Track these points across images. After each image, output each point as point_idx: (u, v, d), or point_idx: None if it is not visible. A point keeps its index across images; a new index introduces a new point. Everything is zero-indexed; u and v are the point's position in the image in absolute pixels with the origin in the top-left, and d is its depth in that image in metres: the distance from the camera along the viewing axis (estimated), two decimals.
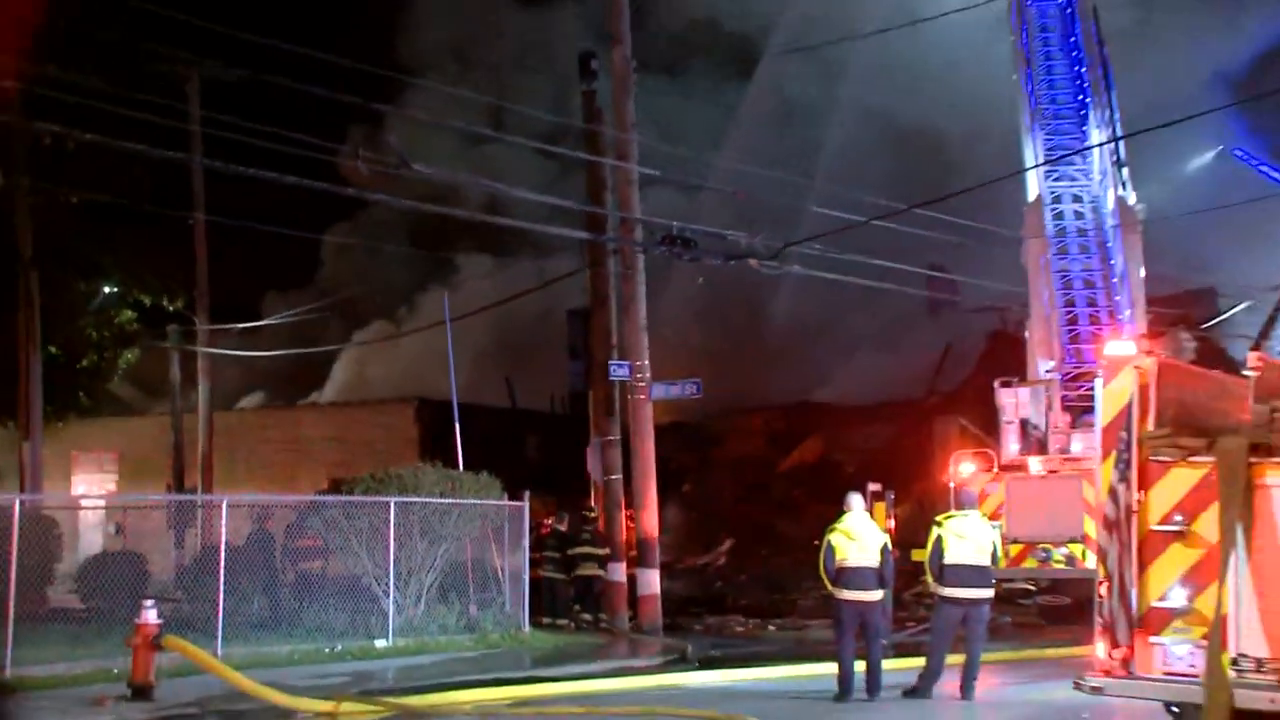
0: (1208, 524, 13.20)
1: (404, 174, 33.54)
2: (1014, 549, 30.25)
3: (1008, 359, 40.02)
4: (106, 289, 44.71)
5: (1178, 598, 13.34)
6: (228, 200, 36.44)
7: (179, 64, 36.93)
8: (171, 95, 35.82)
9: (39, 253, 34.89)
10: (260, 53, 29.17)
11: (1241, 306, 44.57)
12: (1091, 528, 14.53)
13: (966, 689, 20.31)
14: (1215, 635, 12.84)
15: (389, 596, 28.22)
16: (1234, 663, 12.86)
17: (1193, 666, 13.07)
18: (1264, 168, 51.27)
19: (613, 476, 32.29)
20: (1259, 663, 12.88)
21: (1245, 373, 14.47)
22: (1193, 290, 47.27)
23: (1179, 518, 13.42)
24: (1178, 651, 13.27)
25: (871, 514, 21.40)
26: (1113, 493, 13.74)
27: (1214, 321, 42.20)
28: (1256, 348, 27.32)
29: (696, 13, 60.31)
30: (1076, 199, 35.87)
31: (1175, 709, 13.89)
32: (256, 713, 19.77)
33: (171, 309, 45.72)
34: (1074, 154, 36.07)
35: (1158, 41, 58.48)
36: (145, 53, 33.46)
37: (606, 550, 32.41)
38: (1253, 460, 13.08)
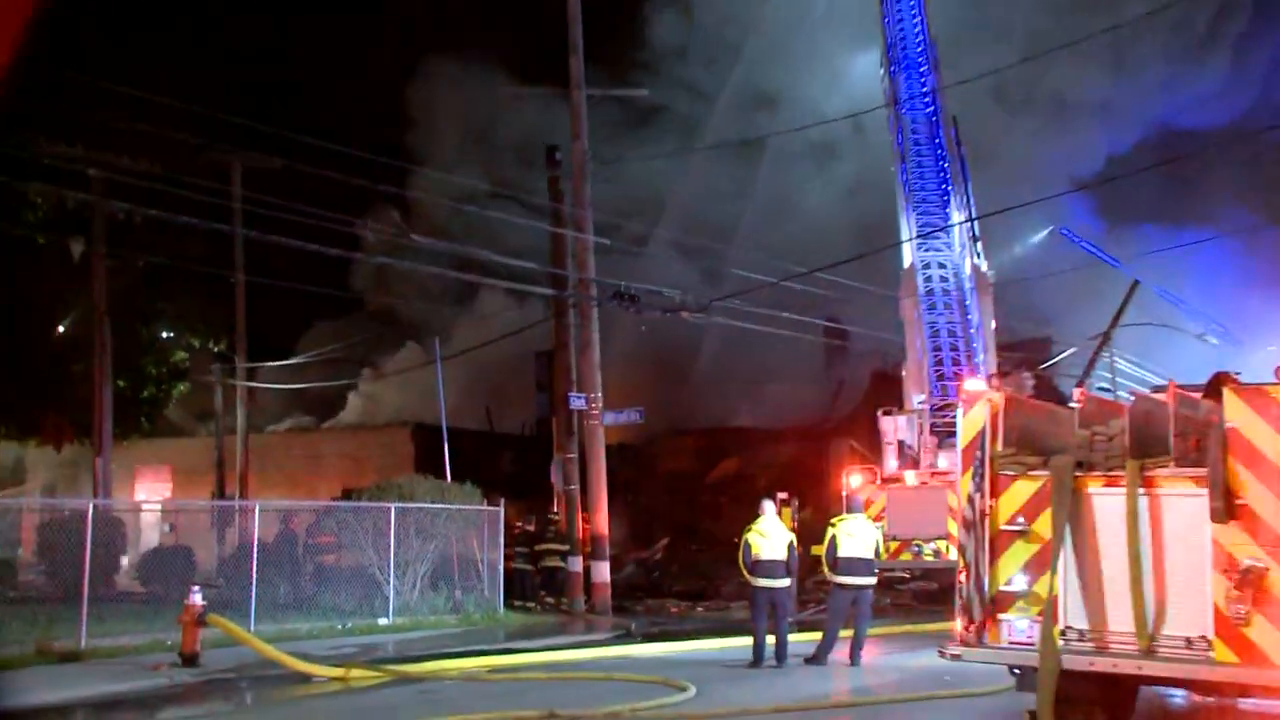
0: (1043, 524, 13.28)
1: (404, 241, 33.69)
2: (893, 545, 30.55)
3: (888, 392, 40.27)
4: (164, 334, 44.78)
5: (1020, 583, 13.39)
6: (267, 256, 36.45)
7: (225, 155, 36.91)
8: (218, 179, 35.92)
9: (111, 305, 34.86)
10: (289, 145, 29.36)
11: (1069, 352, 44.93)
12: (953, 528, 14.72)
13: (854, 657, 20.50)
14: (1048, 612, 12.95)
15: (389, 583, 28.22)
16: (1062, 634, 13.00)
17: (1031, 637, 13.11)
18: (1085, 244, 51.80)
19: (571, 486, 32.36)
20: (1081, 634, 13.05)
21: (1071, 405, 14.62)
22: (1032, 339, 47.53)
23: (1021, 520, 13.48)
24: (1019, 626, 13.31)
25: (780, 517, 21.50)
26: (970, 500, 13.78)
27: (1048, 364, 42.57)
28: (1080, 385, 27.67)
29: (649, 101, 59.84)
30: (941, 265, 36.25)
31: (1017, 671, 13.70)
32: (282, 677, 19.79)
33: (216, 349, 45.77)
34: (938, 231, 36.51)
35: (1015, 144, 59.05)
36: (197, 146, 33.53)
37: (566, 546, 32.40)
38: (1077, 474, 13.23)
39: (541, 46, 32.40)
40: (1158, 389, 14.30)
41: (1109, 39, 52.56)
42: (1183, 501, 12.75)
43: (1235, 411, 12.52)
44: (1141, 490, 12.92)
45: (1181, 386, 13.39)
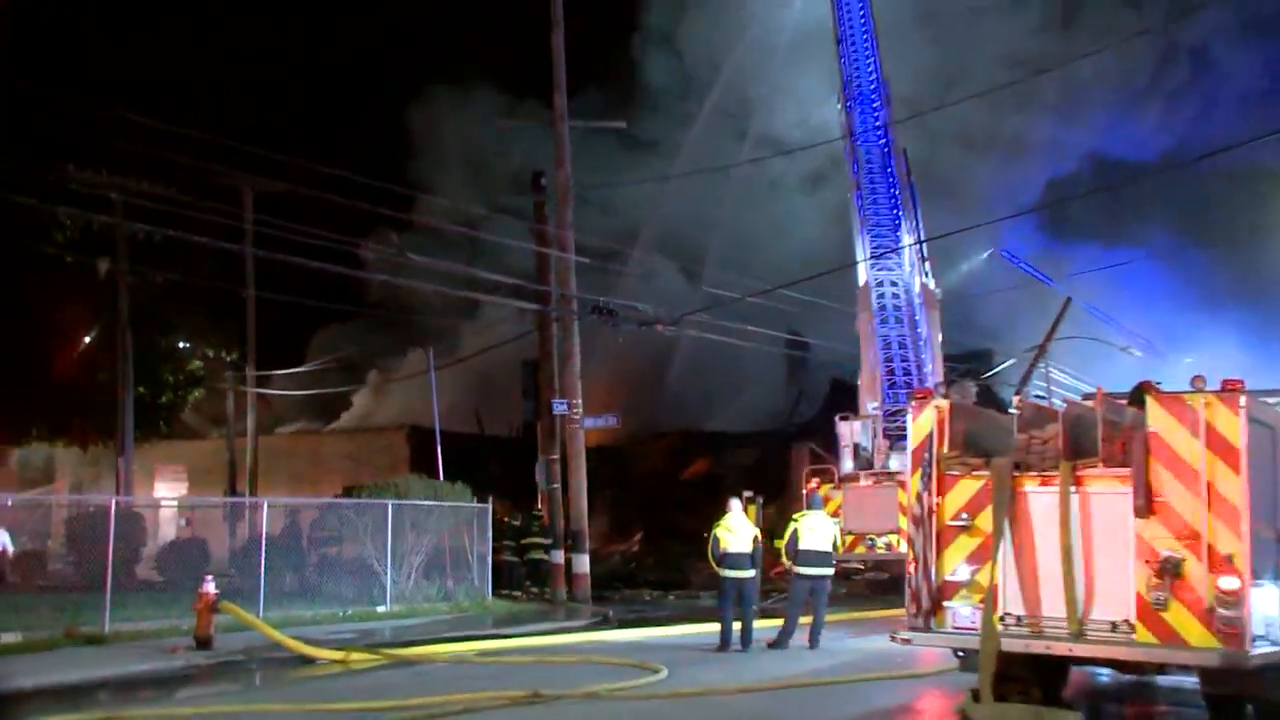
0: (984, 520, 13.38)
1: (402, 260, 33.71)
2: (849, 539, 30.59)
3: (844, 399, 40.44)
4: (180, 344, 44.73)
5: (963, 574, 13.47)
6: (276, 272, 36.42)
7: (237, 180, 36.89)
8: (231, 202, 35.92)
9: (132, 318, 34.82)
10: (297, 170, 29.40)
11: (1008, 363, 44.98)
12: (904, 523, 14.81)
13: (814, 641, 20.56)
14: (988, 600, 13.04)
15: (387, 574, 28.07)
16: (1001, 619, 13.09)
17: (973, 623, 13.18)
18: (1023, 265, 52.01)
19: (554, 485, 32.27)
20: (1018, 619, 13.15)
21: (1010, 411, 14.79)
22: (975, 350, 47.63)
23: (965, 516, 13.57)
24: (963, 612, 13.37)
25: (746, 514, 21.53)
26: (919, 498, 13.81)
27: (989, 374, 42.69)
28: (1018, 393, 27.71)
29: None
30: (893, 284, 36.41)
31: (961, 653, 13.89)
32: (288, 659, 19.82)
33: (228, 358, 45.69)
34: (890, 252, 36.65)
35: (964, 175, 59.34)
36: (211, 172, 33.54)
37: (550, 540, 32.29)
38: (1015, 474, 13.33)
39: (536, 77, 32.31)
40: (1087, 397, 14.40)
41: (1052, 83, 53.19)
42: (1109, 499, 12.89)
43: (1156, 417, 12.69)
44: (1073, 489, 13.05)
45: (1109, 395, 13.53)
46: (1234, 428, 12.43)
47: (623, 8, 65.20)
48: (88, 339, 40.18)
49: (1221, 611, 12.23)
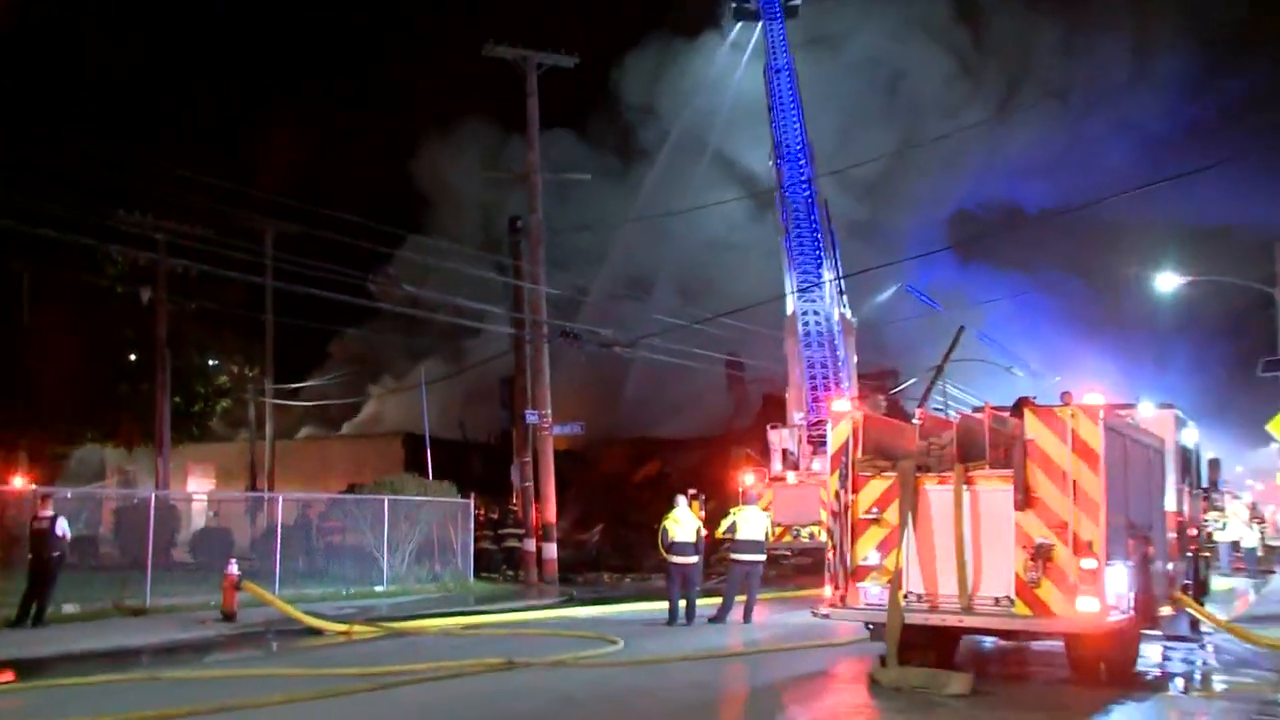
0: (892, 513, 13.52)
1: (397, 291, 33.75)
2: (778, 530, 30.59)
3: (775, 411, 40.60)
4: (210, 361, 44.76)
5: (874, 558, 13.58)
6: (293, 300, 36.57)
7: (259, 223, 36.96)
8: (254, 241, 36.01)
9: (170, 339, 34.85)
10: (310, 215, 29.58)
11: (912, 381, 45.27)
12: (824, 516, 15.01)
13: (747, 617, 20.37)
14: (894, 581, 13.21)
15: (384, 559, 27.90)
16: (905, 597, 13.26)
17: (881, 600, 13.31)
18: (924, 298, 52.39)
19: (527, 484, 31.99)
20: (919, 596, 13.34)
21: (914, 421, 14.97)
22: (884, 369, 47.92)
23: (875, 509, 13.69)
24: (873, 592, 13.48)
25: (690, 509, 21.49)
26: (836, 495, 13.91)
27: (896, 390, 43.03)
28: (920, 406, 28.04)
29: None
30: (816, 314, 36.70)
31: (871, 626, 14.09)
32: (299, 631, 19.80)
33: (250, 374, 45.65)
34: (813, 286, 36.93)
35: (877, 220, 59.89)
36: (236, 215, 33.70)
37: (523, 530, 32.03)
38: (918, 474, 13.50)
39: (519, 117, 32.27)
40: (977, 410, 14.59)
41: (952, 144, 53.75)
42: (995, 495, 13.11)
43: (1033, 427, 12.96)
44: (965, 487, 13.23)
45: (994, 408, 13.73)
46: (1095, 436, 12.74)
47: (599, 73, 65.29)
48: (133, 357, 40.10)
49: (1082, 587, 12.54)
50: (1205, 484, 20.45)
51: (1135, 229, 54.22)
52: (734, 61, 52.78)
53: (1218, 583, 27.50)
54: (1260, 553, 39.38)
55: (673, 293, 53.84)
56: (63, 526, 20.18)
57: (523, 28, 62.74)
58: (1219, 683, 14.66)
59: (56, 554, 19.87)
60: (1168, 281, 38.12)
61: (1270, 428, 30.70)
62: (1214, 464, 21.42)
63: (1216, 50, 66.06)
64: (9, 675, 14.97)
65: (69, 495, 27.50)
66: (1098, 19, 69.10)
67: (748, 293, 42.34)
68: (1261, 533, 41.67)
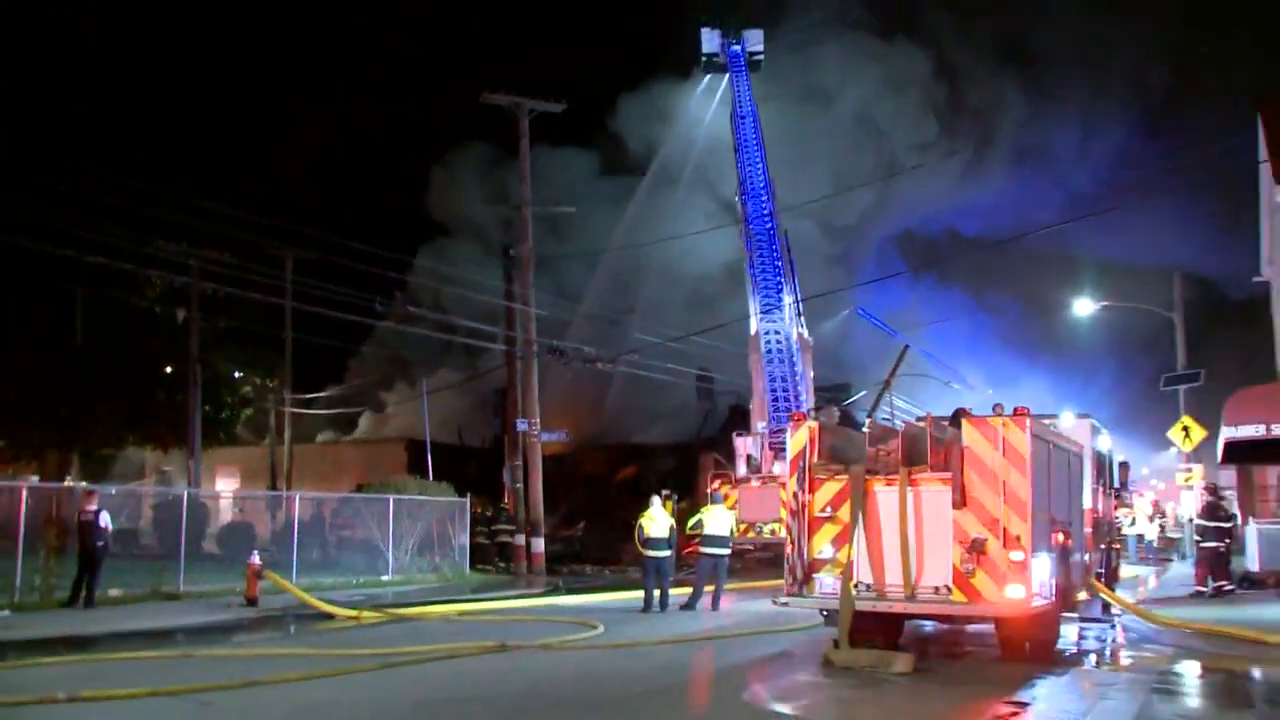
0: (844, 512, 13.50)
1: (404, 311, 33.63)
2: (743, 526, 30.31)
3: (740, 420, 40.58)
4: (236, 374, 44.63)
5: (828, 553, 13.55)
6: (310, 319, 36.55)
7: (280, 249, 36.89)
8: (275, 266, 35.97)
9: (201, 354, 34.85)
10: (325, 242, 29.58)
11: (862, 393, 45.24)
12: (784, 514, 14.97)
13: (715, 604, 20.30)
14: (846, 572, 13.19)
15: (389, 552, 28.01)
16: (855, 587, 13.23)
17: (834, 590, 13.28)
18: (873, 320, 52.51)
19: (518, 485, 31.88)
20: (868, 586, 13.32)
21: (864, 430, 14.99)
22: (838, 383, 47.96)
23: (829, 509, 13.66)
24: (827, 582, 13.44)
25: (664, 508, 21.44)
26: (795, 495, 13.89)
27: (849, 401, 43.02)
28: (870, 417, 27.96)
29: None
30: (777, 333, 36.58)
31: (825, 613, 14.04)
32: (313, 616, 19.75)
33: (271, 385, 45.51)
34: (774, 309, 36.97)
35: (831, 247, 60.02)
36: (259, 243, 33.70)
37: (514, 527, 32.05)
38: (867, 477, 13.50)
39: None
40: (920, 420, 14.60)
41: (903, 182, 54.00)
42: (935, 495, 13.11)
43: (969, 435, 12.97)
44: (909, 488, 13.23)
45: (935, 418, 13.79)
46: (1023, 442, 12.77)
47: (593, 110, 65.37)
48: (168, 370, 39.98)
49: (1011, 576, 12.55)
50: (1117, 484, 20.54)
51: (1065, 259, 54.68)
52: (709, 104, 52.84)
53: (1126, 571, 27.68)
54: (1158, 544, 39.81)
55: (652, 313, 53.69)
56: (105, 519, 20.26)
57: (525, 69, 63.20)
58: (1126, 657, 14.79)
59: (100, 543, 20.04)
60: (1084, 306, 38.55)
61: (1170, 434, 30.97)
62: (1124, 466, 21.49)
63: (1138, 120, 66.26)
64: (64, 650, 14.96)
65: (114, 492, 27.49)
66: (1043, 87, 69.08)
67: (717, 313, 42.60)
68: (1162, 526, 42.02)
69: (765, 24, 48.45)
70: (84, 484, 24.72)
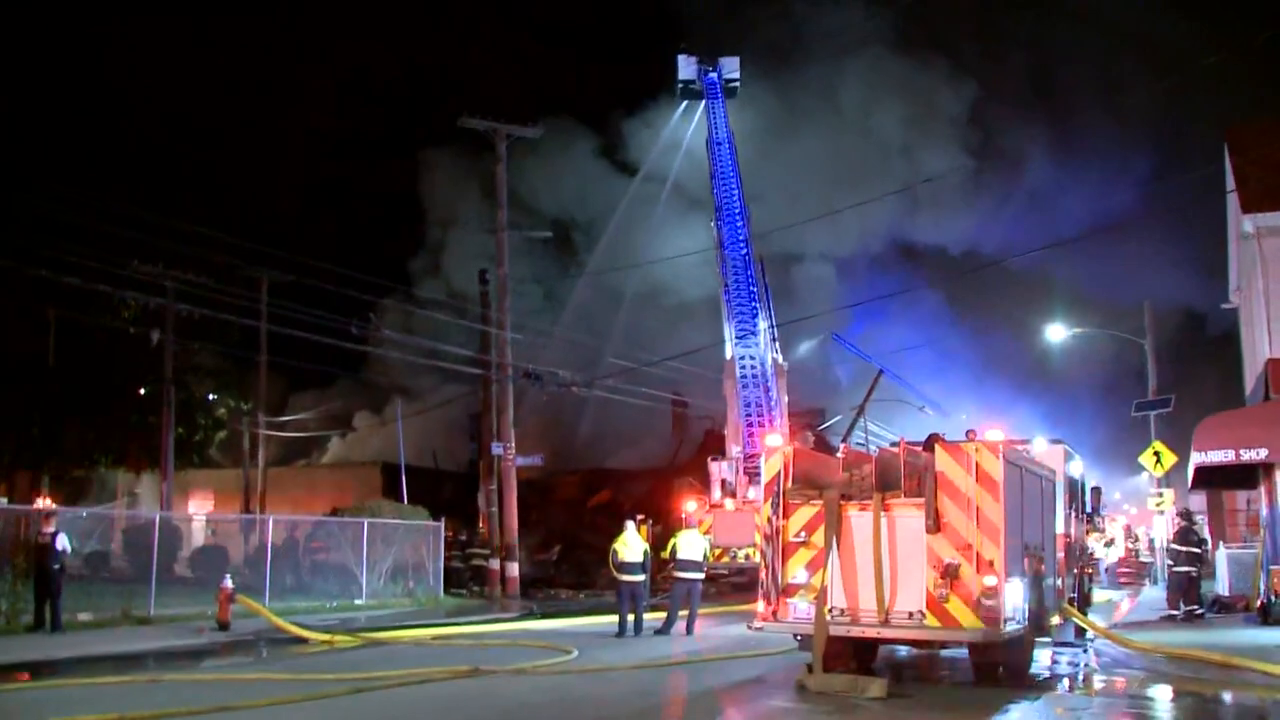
0: (818, 537, 13.44)
1: (379, 336, 33.62)
2: (717, 551, 30.37)
3: (715, 444, 40.64)
4: (210, 396, 44.46)
5: (802, 577, 13.48)
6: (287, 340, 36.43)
7: (255, 271, 36.79)
8: (251, 288, 35.87)
9: (175, 376, 34.72)
10: (302, 266, 29.53)
11: (836, 419, 45.53)
12: (758, 539, 14.88)
13: (690, 628, 20.31)
14: (820, 597, 13.12)
15: (363, 575, 27.74)
16: (829, 611, 13.15)
17: (809, 614, 13.23)
18: (848, 345, 52.69)
19: (492, 509, 31.79)
20: (841, 610, 13.24)
21: (838, 455, 14.92)
22: (812, 408, 48.08)
23: (803, 533, 13.59)
24: (801, 606, 13.40)
25: (638, 532, 21.40)
26: (769, 520, 13.83)
27: (823, 426, 43.16)
28: (844, 441, 28.06)
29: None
30: (751, 358, 36.74)
31: (799, 637, 14.00)
32: (286, 640, 19.64)
33: (245, 408, 45.28)
34: (749, 334, 37.06)
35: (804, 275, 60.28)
36: (233, 265, 33.65)
37: (488, 551, 31.86)
38: (841, 502, 13.44)
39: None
40: (893, 445, 14.63)
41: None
42: (909, 520, 13.09)
43: (942, 460, 12.99)
44: (883, 513, 13.20)
45: (909, 443, 13.75)
46: (996, 468, 12.80)
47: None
48: (142, 391, 39.78)
49: (985, 601, 12.55)
50: (1089, 509, 20.66)
51: (1046, 285, 55.18)
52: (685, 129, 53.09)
53: (1098, 595, 27.82)
54: (1130, 569, 40.03)
55: (626, 338, 53.72)
56: (63, 541, 19.96)
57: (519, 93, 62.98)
58: (1099, 682, 14.80)
59: (56, 566, 19.64)
60: (1057, 332, 38.84)
61: (1142, 459, 31.16)
62: (1096, 491, 21.63)
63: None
64: (27, 676, 14.79)
65: (84, 515, 27.35)
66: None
67: (692, 339, 42.65)
68: (1136, 551, 42.26)
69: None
70: (41, 506, 24.44)
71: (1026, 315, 50.42)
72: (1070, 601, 17.53)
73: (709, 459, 35.81)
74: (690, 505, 32.47)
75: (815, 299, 52.44)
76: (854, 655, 13.77)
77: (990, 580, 12.55)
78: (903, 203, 57.48)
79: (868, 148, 64.16)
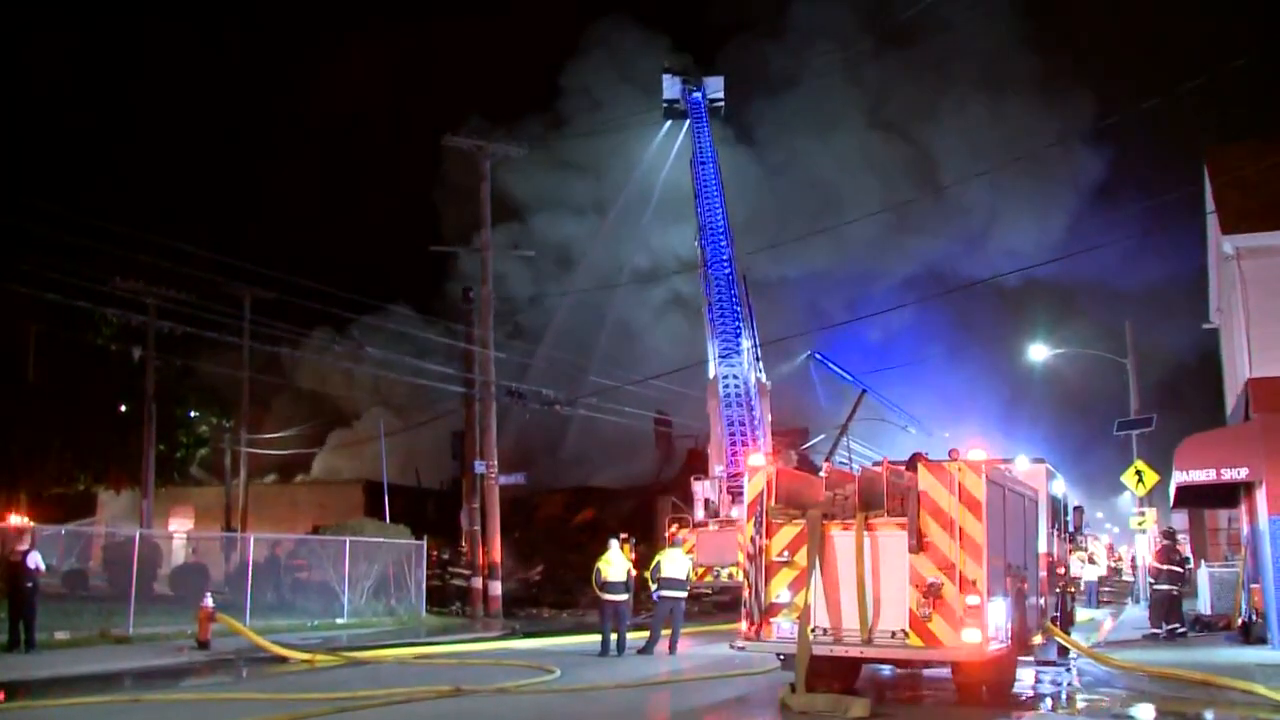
0: (801, 556, 13.41)
1: (361, 353, 33.48)
2: (700, 570, 30.30)
3: (698, 464, 40.58)
4: (192, 413, 44.28)
5: (785, 597, 13.46)
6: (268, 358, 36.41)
7: (238, 288, 36.72)
8: (234, 306, 35.82)
9: (157, 393, 34.58)
10: (284, 283, 29.49)
11: (820, 438, 45.55)
12: (741, 558, 14.81)
13: (672, 648, 20.29)
14: (803, 616, 13.07)
15: (344, 594, 27.72)
16: (813, 631, 13.12)
17: (792, 634, 13.18)
18: (830, 365, 52.75)
19: (475, 527, 31.68)
20: (825, 630, 13.21)
21: (821, 474, 14.92)
22: (796, 428, 48.09)
23: (786, 553, 13.57)
24: (784, 626, 13.37)
25: (622, 551, 21.36)
26: (752, 539, 13.81)
27: (806, 445, 43.15)
28: (827, 461, 28.05)
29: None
30: (735, 377, 36.68)
31: (782, 657, 13.90)
32: (267, 659, 19.55)
33: (227, 425, 45.12)
34: (733, 353, 37.07)
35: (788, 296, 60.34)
36: (219, 283, 33.59)
37: (471, 570, 31.75)
38: (824, 522, 13.42)
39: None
40: (876, 464, 14.61)
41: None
42: (892, 539, 13.08)
43: (925, 480, 13.01)
44: (866, 533, 13.19)
45: (892, 463, 13.78)
46: (978, 487, 12.82)
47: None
48: (123, 408, 39.63)
49: (967, 620, 12.57)
50: (1071, 528, 20.71)
51: (1032, 305, 55.36)
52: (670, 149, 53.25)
53: (1081, 614, 27.87)
54: (1112, 588, 40.20)
55: (610, 356, 53.70)
56: (36, 559, 19.80)
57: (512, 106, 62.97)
58: (1081, 700, 14.83)
59: (30, 584, 19.46)
60: (1039, 352, 39.03)
61: (1124, 478, 31.27)
62: (1078, 511, 21.68)
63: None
64: (1, 696, 14.62)
65: (63, 532, 27.15)
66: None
67: (677, 357, 42.67)
68: (1118, 570, 42.40)
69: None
70: (13, 523, 24.27)
71: (1012, 337, 50.73)
72: (1053, 620, 17.54)
73: (692, 478, 35.71)
74: (673, 524, 32.51)
75: (798, 318, 52.63)
76: (837, 675, 13.70)
77: (973, 600, 12.56)
78: (885, 225, 57.64)
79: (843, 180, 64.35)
